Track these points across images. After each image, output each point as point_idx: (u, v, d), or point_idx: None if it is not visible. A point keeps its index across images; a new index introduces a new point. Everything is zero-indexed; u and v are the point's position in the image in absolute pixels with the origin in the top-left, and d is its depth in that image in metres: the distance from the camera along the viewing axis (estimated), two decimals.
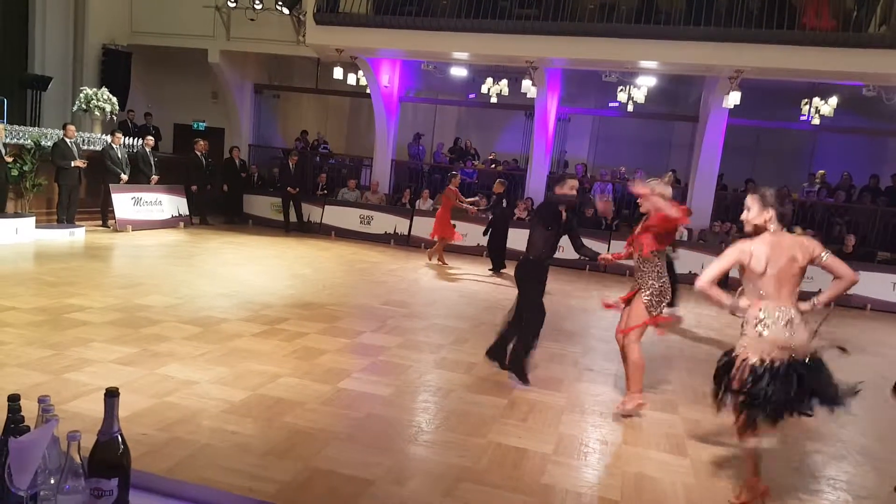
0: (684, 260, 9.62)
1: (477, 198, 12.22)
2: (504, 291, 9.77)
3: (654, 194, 4.64)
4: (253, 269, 9.47)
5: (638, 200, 4.85)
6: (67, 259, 8.83)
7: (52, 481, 1.28)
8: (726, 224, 12.99)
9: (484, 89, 15.36)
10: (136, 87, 15.69)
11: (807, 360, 3.35)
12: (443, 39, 12.58)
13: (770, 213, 3.45)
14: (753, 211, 3.50)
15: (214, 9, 14.73)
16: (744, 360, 3.42)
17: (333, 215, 14.35)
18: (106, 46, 15.05)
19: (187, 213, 13.22)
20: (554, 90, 14.22)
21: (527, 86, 12.87)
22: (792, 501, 3.78)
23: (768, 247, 3.40)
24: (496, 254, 11.36)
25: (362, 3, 12.93)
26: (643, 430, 4.63)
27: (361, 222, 14.14)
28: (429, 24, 12.45)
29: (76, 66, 14.91)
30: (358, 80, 14.79)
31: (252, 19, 14.22)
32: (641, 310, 4.73)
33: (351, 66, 14.33)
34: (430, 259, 11.61)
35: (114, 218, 11.67)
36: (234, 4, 14.26)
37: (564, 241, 5.61)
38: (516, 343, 5.41)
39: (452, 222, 11.62)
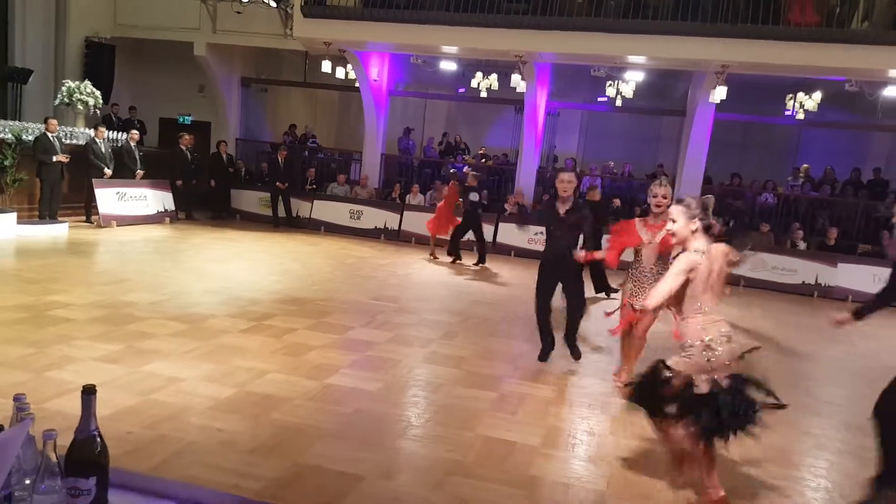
0: None
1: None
2: (493, 287, 9.76)
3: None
4: (240, 264, 9.40)
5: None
6: (50, 255, 8.71)
7: (28, 481, 1.24)
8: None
9: (474, 84, 15.32)
10: (121, 81, 15.52)
11: (744, 376, 3.33)
12: (432, 33, 12.53)
13: (697, 224, 3.35)
14: (680, 222, 3.38)
15: (200, 1, 14.57)
16: (690, 385, 3.32)
17: (323, 210, 14.27)
18: (89, 39, 14.86)
19: (173, 209, 13.10)
20: (543, 85, 14.21)
21: (516, 80, 12.86)
22: (773, 488, 3.80)
23: (707, 258, 3.30)
24: (454, 245, 11.46)
25: None
26: (630, 422, 4.63)
27: (351, 217, 14.08)
28: (418, 17, 12.40)
29: (58, 58, 14.69)
30: (347, 73, 14.71)
31: (239, 12, 14.08)
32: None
33: (339, 60, 14.25)
34: (436, 257, 11.59)
35: (97, 213, 11.53)
36: None
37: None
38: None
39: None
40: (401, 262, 11.14)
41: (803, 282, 11.92)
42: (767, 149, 15.87)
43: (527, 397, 4.93)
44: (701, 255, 3.30)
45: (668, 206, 4.83)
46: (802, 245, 12.54)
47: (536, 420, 4.50)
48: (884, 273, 11.29)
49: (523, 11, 12.06)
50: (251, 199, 14.72)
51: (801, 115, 14.34)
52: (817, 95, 13.81)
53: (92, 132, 12.01)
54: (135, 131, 12.89)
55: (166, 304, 6.61)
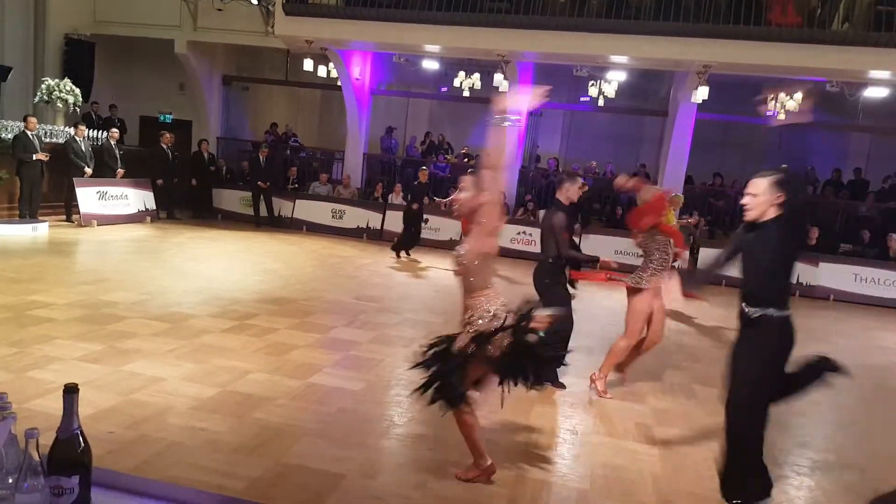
0: None
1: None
2: None
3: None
4: (222, 264, 9.35)
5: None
6: (30, 255, 8.62)
7: (10, 480, 1.25)
8: (694, 217, 13.18)
9: (456, 83, 15.32)
10: (101, 78, 15.34)
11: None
12: (414, 32, 12.53)
13: (487, 197, 3.33)
14: (469, 192, 3.40)
15: None
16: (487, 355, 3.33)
17: (305, 209, 14.23)
18: (68, 36, 14.68)
19: (154, 208, 12.99)
20: (526, 84, 14.25)
21: (499, 80, 12.90)
22: None
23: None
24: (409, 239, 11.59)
25: None
26: (612, 420, 4.69)
27: (333, 217, 14.05)
28: (400, 15, 12.39)
29: (37, 55, 14.49)
30: (329, 72, 14.65)
31: (220, 9, 13.99)
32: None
33: (321, 58, 14.20)
34: None
35: (78, 212, 11.41)
36: None
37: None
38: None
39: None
40: (383, 261, 11.13)
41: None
42: (749, 148, 16.05)
43: (509, 396, 4.95)
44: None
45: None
46: None
47: (519, 419, 4.53)
48: (865, 272, 11.59)
49: (506, 11, 12.10)
50: (233, 199, 14.63)
51: (782, 116, 14.51)
52: (798, 96, 13.98)
53: (72, 130, 11.88)
54: (115, 130, 12.76)
55: (148, 303, 6.56)
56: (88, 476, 1.33)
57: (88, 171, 11.62)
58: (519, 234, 12.59)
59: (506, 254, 12.71)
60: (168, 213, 13.39)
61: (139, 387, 4.37)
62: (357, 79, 14.77)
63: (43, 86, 12.34)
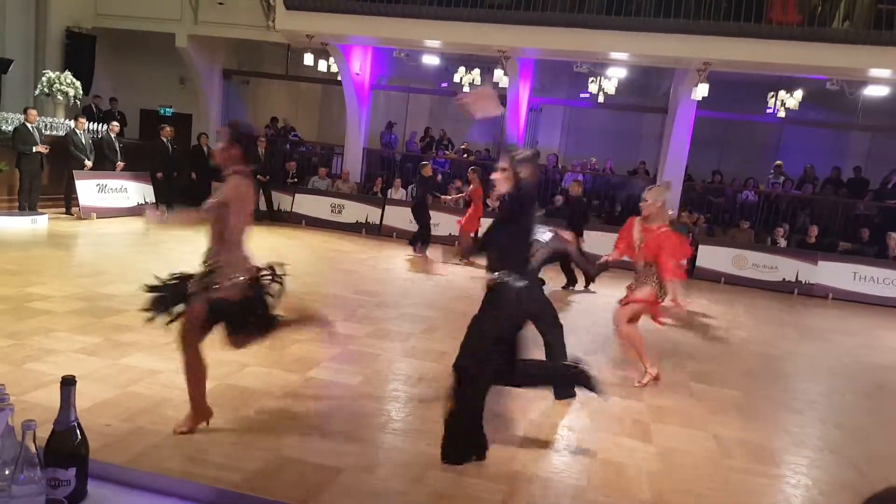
0: None
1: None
2: (474, 282, 9.78)
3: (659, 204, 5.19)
4: None
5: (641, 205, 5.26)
6: (29, 247, 8.62)
7: (7, 472, 1.25)
8: (693, 214, 13.19)
9: (456, 78, 15.33)
10: (101, 72, 15.31)
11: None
12: (415, 27, 12.51)
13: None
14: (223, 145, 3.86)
15: None
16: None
17: (304, 204, 14.22)
18: (69, 29, 14.64)
19: (153, 201, 12.98)
20: (526, 80, 14.25)
21: (499, 75, 12.89)
22: (753, 486, 3.87)
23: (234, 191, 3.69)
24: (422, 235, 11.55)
25: None
26: (610, 417, 4.70)
27: (332, 211, 14.04)
28: (401, 10, 12.38)
29: (38, 48, 14.46)
30: (329, 66, 14.64)
31: (221, 3, 13.97)
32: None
33: (322, 53, 14.18)
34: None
35: (78, 205, 11.41)
36: None
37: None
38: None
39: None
40: (382, 256, 11.14)
41: (784, 279, 12.05)
42: (748, 146, 16.04)
43: (506, 392, 4.95)
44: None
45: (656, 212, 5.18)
46: (783, 242, 12.72)
47: (516, 415, 4.54)
48: (864, 271, 11.60)
49: (507, 6, 12.08)
50: None
51: (782, 113, 14.51)
52: (798, 93, 13.99)
53: (72, 123, 11.86)
54: (115, 123, 12.73)
55: (146, 296, 6.54)
56: (85, 468, 1.34)
57: (88, 163, 11.61)
58: None
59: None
60: (167, 207, 13.37)
61: (136, 379, 4.38)
62: (357, 74, 14.75)
63: (44, 78, 12.32)
